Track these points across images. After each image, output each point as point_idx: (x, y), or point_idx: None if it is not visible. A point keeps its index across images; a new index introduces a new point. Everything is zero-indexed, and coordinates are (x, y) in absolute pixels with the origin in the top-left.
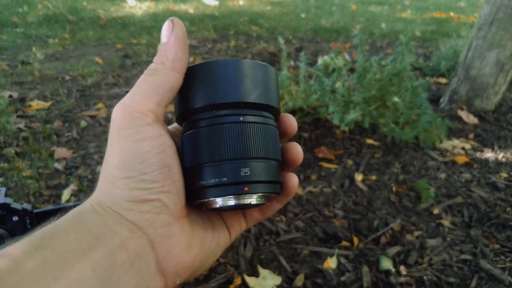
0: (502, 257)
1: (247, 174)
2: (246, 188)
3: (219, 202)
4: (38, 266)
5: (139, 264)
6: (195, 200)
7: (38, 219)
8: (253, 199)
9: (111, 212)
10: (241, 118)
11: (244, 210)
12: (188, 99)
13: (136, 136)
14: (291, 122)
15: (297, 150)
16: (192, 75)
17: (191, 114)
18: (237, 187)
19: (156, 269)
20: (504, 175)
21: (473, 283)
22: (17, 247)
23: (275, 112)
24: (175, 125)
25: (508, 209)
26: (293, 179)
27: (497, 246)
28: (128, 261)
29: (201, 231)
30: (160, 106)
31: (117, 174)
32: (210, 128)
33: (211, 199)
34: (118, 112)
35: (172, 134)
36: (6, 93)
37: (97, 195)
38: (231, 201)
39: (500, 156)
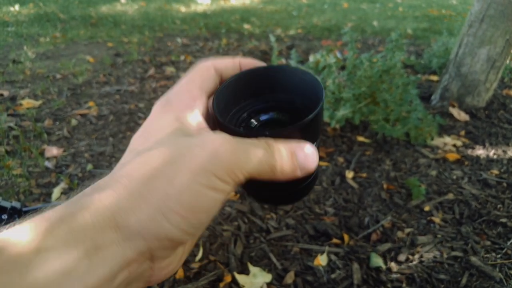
0: (493, 254)
1: None
2: None
3: None
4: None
5: (132, 285)
6: None
7: None
8: None
9: (133, 231)
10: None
11: None
12: None
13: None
14: None
15: None
16: None
17: None
18: None
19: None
20: (495, 172)
21: (464, 280)
22: None
23: None
24: None
25: (499, 206)
26: None
27: (488, 243)
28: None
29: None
30: None
31: (177, 209)
32: None
33: None
34: None
35: None
36: None
37: (127, 211)
38: None
39: (491, 153)
